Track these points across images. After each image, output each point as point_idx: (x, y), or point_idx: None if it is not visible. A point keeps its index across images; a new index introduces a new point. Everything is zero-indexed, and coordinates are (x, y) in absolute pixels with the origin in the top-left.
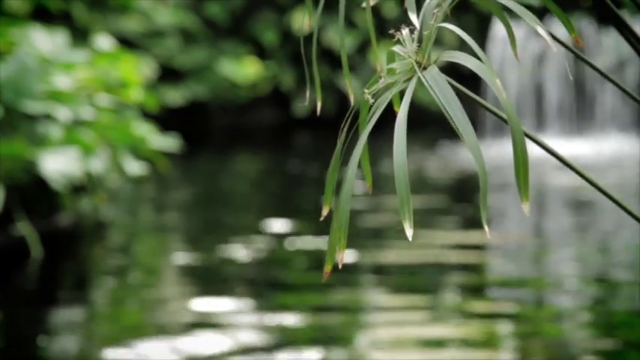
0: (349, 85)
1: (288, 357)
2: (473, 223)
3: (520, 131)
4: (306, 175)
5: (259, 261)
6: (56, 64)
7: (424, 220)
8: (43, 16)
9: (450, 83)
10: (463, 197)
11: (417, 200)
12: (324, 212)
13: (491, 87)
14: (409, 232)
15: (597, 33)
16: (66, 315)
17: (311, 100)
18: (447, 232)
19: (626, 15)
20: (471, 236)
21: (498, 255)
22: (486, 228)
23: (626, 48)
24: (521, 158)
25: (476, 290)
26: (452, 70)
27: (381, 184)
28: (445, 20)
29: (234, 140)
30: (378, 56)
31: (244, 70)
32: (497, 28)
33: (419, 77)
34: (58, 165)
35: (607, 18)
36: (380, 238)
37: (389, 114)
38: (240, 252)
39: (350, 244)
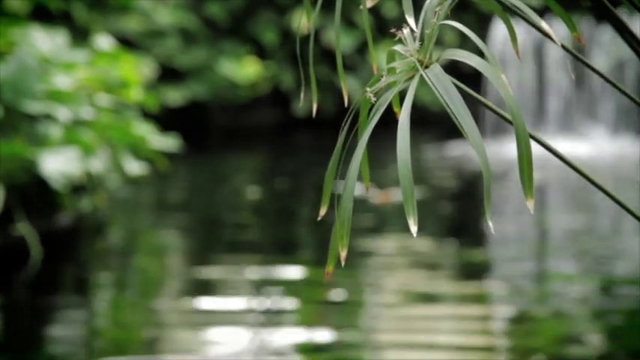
0: (344, 86)
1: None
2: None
3: (524, 128)
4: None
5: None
6: (56, 64)
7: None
8: (43, 16)
9: (451, 82)
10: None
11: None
12: (322, 212)
13: (494, 84)
14: (413, 228)
15: (596, 32)
16: (66, 315)
17: (309, 101)
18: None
19: (623, 14)
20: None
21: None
22: (490, 224)
23: (625, 48)
24: (525, 156)
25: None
26: (452, 71)
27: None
28: (446, 19)
29: (234, 140)
30: (375, 58)
31: (244, 70)
32: (497, 28)
33: (421, 76)
34: (58, 165)
35: (605, 18)
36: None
37: (390, 113)
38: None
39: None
